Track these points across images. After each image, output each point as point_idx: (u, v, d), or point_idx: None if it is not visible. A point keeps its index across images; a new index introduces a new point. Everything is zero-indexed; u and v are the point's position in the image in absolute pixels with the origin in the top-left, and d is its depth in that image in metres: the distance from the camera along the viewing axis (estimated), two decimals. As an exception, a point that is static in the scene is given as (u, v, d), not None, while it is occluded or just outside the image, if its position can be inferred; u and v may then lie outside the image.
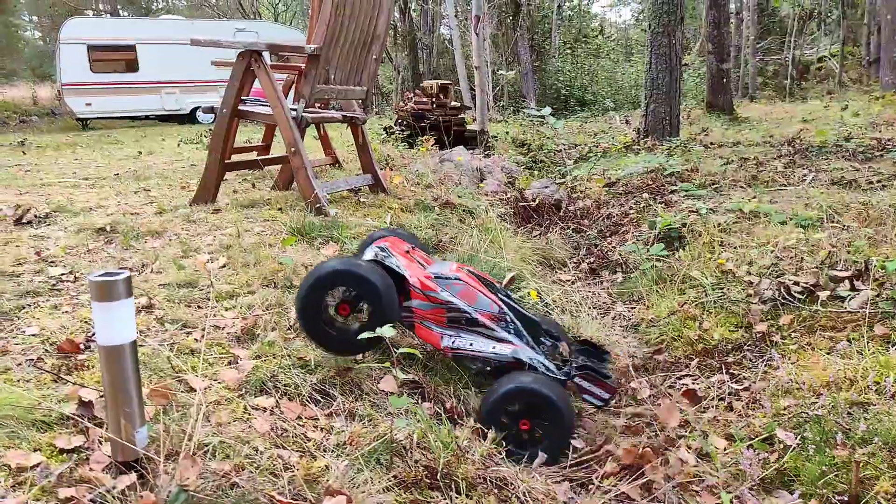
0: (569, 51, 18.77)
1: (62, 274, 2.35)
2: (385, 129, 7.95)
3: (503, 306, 2.04)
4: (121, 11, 26.15)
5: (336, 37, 3.67)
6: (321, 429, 1.60)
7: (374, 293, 1.83)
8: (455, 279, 2.03)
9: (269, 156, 5.07)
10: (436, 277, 2.03)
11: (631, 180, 5.37)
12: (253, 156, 5.02)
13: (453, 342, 1.95)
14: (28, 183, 4.96)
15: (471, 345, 1.95)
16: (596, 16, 26.19)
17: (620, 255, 3.76)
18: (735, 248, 3.10)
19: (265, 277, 2.46)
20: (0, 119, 16.09)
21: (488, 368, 1.93)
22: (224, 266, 2.55)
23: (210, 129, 10.85)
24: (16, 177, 5.36)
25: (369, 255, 2.11)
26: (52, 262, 2.52)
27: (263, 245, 2.86)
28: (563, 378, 1.93)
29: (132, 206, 3.87)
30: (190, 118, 16.10)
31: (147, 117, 16.23)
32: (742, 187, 4.62)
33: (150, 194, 4.33)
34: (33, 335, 1.80)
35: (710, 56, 11.26)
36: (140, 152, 7.62)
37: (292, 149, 3.60)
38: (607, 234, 4.33)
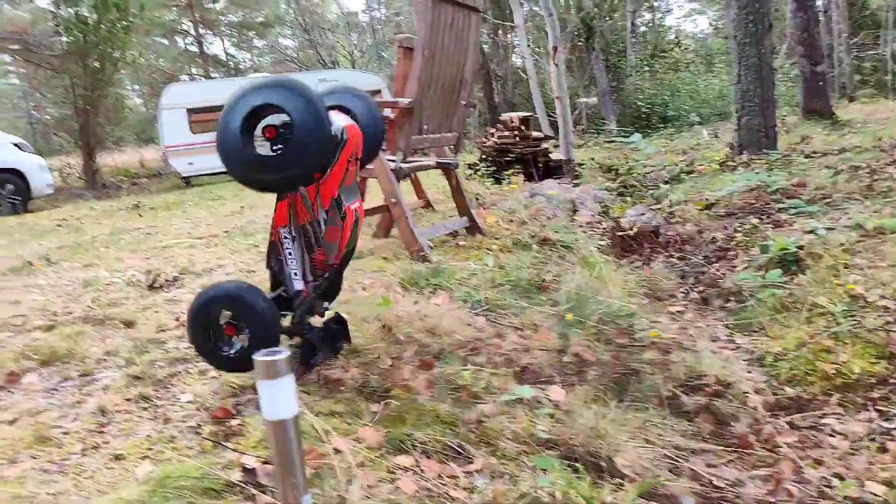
0: (646, 67, 18.48)
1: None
2: (470, 166, 8.07)
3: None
4: (213, 74, 28.03)
5: (427, 87, 3.80)
6: (463, 488, 1.63)
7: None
8: None
9: (369, 206, 5.24)
10: None
11: (732, 200, 5.19)
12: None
13: None
14: (150, 246, 5.36)
15: None
16: (670, 28, 25.71)
17: (733, 282, 3.63)
18: (863, 269, 2.93)
19: (385, 331, 2.54)
20: (115, 183, 17.45)
21: None
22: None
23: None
24: (139, 241, 5.80)
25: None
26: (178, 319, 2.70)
27: (377, 297, 2.96)
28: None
29: (246, 264, 4.11)
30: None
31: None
32: (858, 200, 4.37)
33: (259, 251, 4.57)
34: (189, 402, 1.94)
35: (801, 59, 10.78)
36: (242, 207, 8.06)
37: (392, 200, 3.73)
38: (714, 261, 4.19)
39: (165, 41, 30.69)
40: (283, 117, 1.86)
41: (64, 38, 15.82)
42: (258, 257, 4.29)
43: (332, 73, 18.97)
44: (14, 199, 12.22)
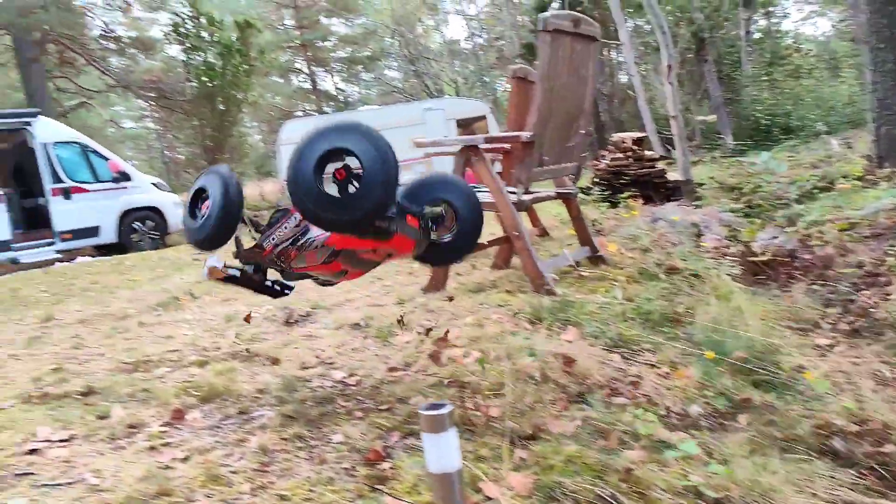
0: (764, 76, 17.53)
1: (343, 377, 2.62)
2: (582, 190, 7.95)
3: None
4: (325, 108, 29.51)
5: (547, 119, 3.80)
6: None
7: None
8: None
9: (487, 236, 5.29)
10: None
11: (877, 220, 4.79)
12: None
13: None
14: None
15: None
16: (788, 33, 24.31)
17: (888, 312, 3.33)
18: None
19: (518, 370, 2.53)
20: (238, 216, 18.66)
21: None
22: (477, 360, 2.68)
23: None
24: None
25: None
26: (330, 363, 2.83)
27: (506, 333, 2.97)
28: None
29: (373, 296, 4.25)
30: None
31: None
32: None
33: (384, 283, 4.72)
34: (340, 443, 2.02)
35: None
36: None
37: (514, 233, 3.74)
38: (863, 288, 3.87)
39: (280, 80, 32.69)
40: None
41: (193, 84, 17.23)
42: (383, 290, 4.42)
43: (437, 102, 19.41)
44: (153, 234, 13.36)
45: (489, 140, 3.91)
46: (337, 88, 33.32)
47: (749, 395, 2.53)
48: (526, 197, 3.82)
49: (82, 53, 20.41)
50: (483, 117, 18.33)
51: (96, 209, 12.63)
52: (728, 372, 2.73)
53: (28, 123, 12.29)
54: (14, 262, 12.08)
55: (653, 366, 2.85)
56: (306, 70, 32.22)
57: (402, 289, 4.30)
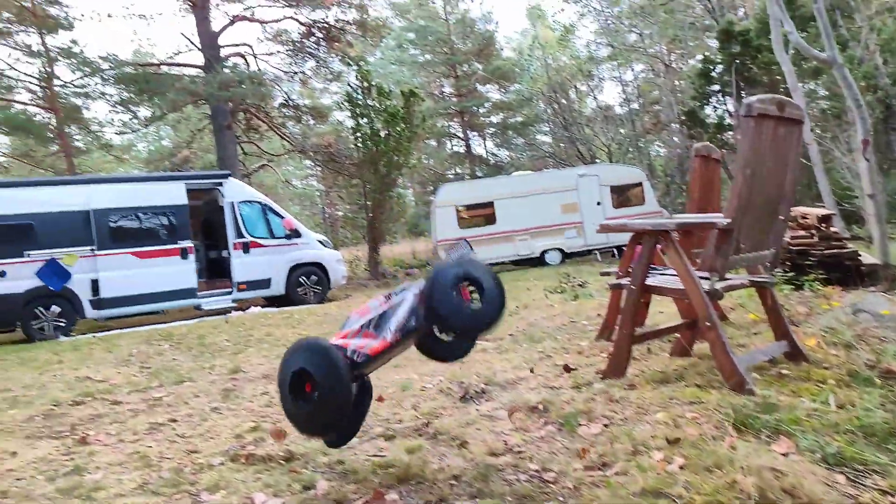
0: (965, 146, 15.66)
1: (537, 470, 2.55)
2: (760, 268, 7.41)
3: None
4: (477, 172, 30.41)
5: (746, 205, 3.59)
6: None
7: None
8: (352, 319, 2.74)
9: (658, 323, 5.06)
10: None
11: None
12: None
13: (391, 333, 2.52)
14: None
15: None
16: None
17: None
18: None
19: (730, 487, 2.32)
20: (392, 273, 19.48)
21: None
22: (682, 468, 2.49)
23: (566, 273, 11.51)
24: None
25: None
26: (519, 452, 2.77)
27: (707, 438, 2.75)
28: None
29: (546, 377, 4.16)
30: (539, 260, 17.41)
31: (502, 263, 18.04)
32: None
33: (553, 361, 4.62)
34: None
35: None
36: (517, 307, 8.34)
37: (707, 323, 3.52)
38: None
39: (434, 143, 34.28)
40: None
41: (360, 148, 18.48)
42: (556, 370, 4.33)
43: (591, 169, 19.32)
44: (317, 288, 14.27)
45: (681, 227, 3.76)
46: (489, 153, 34.30)
47: None
48: (719, 284, 3.60)
49: (266, 121, 22.75)
50: (639, 184, 17.94)
51: (270, 263, 13.77)
52: None
53: (220, 184, 13.80)
54: (197, 307, 13.42)
55: (884, 492, 2.50)
56: (461, 135, 33.55)
57: (574, 367, 4.20)
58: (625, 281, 4.04)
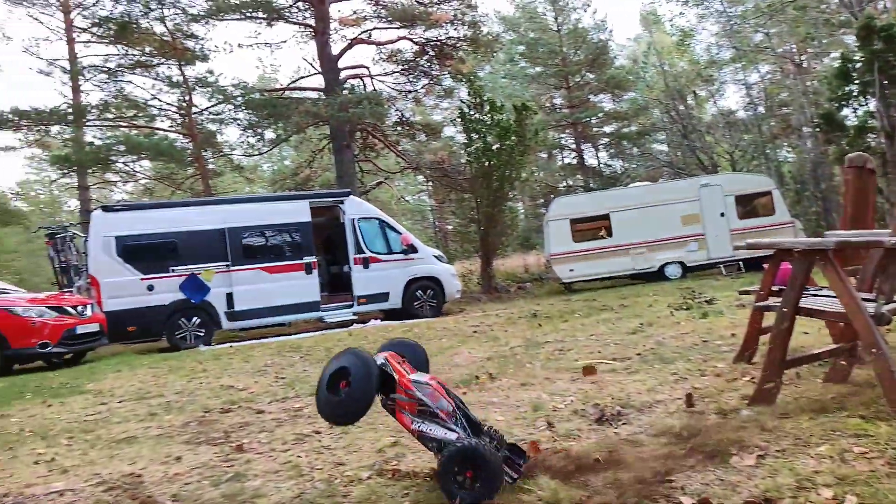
0: None
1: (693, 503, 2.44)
2: None
3: (455, 407, 2.83)
4: (590, 184, 29.85)
5: (916, 221, 3.29)
6: None
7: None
8: (426, 384, 2.81)
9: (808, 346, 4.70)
10: (413, 381, 2.80)
11: None
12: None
13: (419, 427, 2.74)
14: (568, 366, 5.63)
15: (430, 430, 2.72)
16: None
17: None
18: None
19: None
20: (504, 287, 19.48)
21: (438, 447, 2.70)
22: (860, 511, 2.30)
23: (688, 289, 10.99)
24: (556, 357, 6.17)
25: (379, 360, 2.87)
26: (670, 481, 2.66)
27: (881, 476, 2.52)
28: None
29: (684, 399, 3.98)
30: (657, 274, 16.73)
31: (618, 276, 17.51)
32: None
33: (688, 384, 4.41)
34: None
35: None
36: (641, 324, 8.06)
37: (873, 349, 3.24)
38: None
39: (544, 156, 34.01)
40: None
41: (472, 163, 18.66)
42: (693, 393, 4.13)
43: (714, 178, 18.40)
44: (432, 302, 14.52)
45: (840, 245, 3.48)
46: (603, 164, 33.58)
47: None
48: (886, 308, 3.31)
49: (381, 139, 23.53)
50: (768, 193, 16.88)
51: (388, 277, 14.20)
52: None
53: (342, 202, 14.43)
54: (320, 320, 14.05)
55: None
56: (573, 146, 33.09)
57: (712, 393, 3.99)
58: (773, 302, 3.79)
